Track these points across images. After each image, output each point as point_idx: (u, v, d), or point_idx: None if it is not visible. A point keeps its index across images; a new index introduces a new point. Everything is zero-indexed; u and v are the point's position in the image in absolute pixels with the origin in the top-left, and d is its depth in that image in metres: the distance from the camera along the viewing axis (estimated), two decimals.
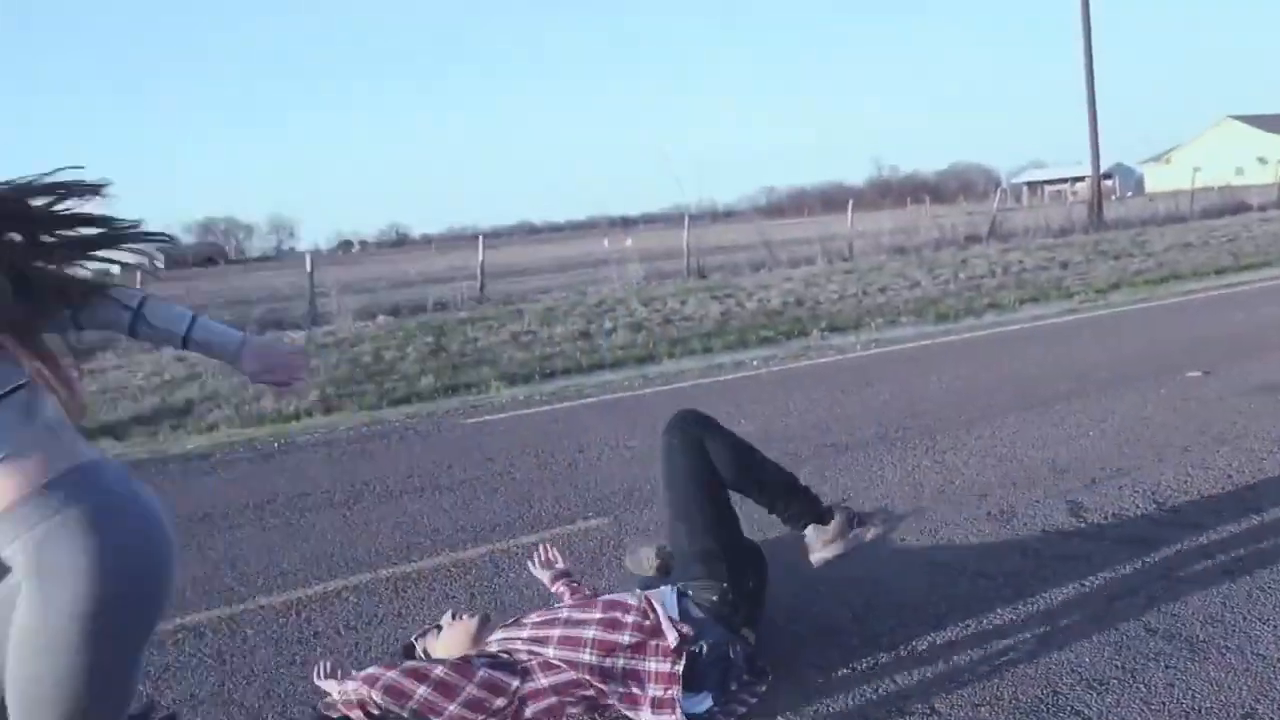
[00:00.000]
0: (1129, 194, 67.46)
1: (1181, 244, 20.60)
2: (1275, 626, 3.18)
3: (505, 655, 2.91)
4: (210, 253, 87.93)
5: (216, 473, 6.68)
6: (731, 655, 3.00)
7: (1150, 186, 74.19)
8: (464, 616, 3.10)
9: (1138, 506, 4.45)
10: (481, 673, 2.78)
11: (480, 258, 18.11)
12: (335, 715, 2.87)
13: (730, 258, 21.56)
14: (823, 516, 3.29)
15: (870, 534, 3.36)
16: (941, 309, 13.01)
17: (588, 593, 3.41)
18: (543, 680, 2.82)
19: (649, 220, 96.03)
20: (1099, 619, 3.34)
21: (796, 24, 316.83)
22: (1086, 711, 2.77)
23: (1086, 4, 28.44)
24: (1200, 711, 2.73)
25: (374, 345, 12.63)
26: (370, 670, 2.84)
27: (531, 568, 3.72)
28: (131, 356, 12.72)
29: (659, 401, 7.93)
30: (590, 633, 2.89)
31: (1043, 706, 2.81)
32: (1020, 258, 19.15)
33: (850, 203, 25.32)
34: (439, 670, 2.77)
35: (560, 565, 3.68)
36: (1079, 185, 57.11)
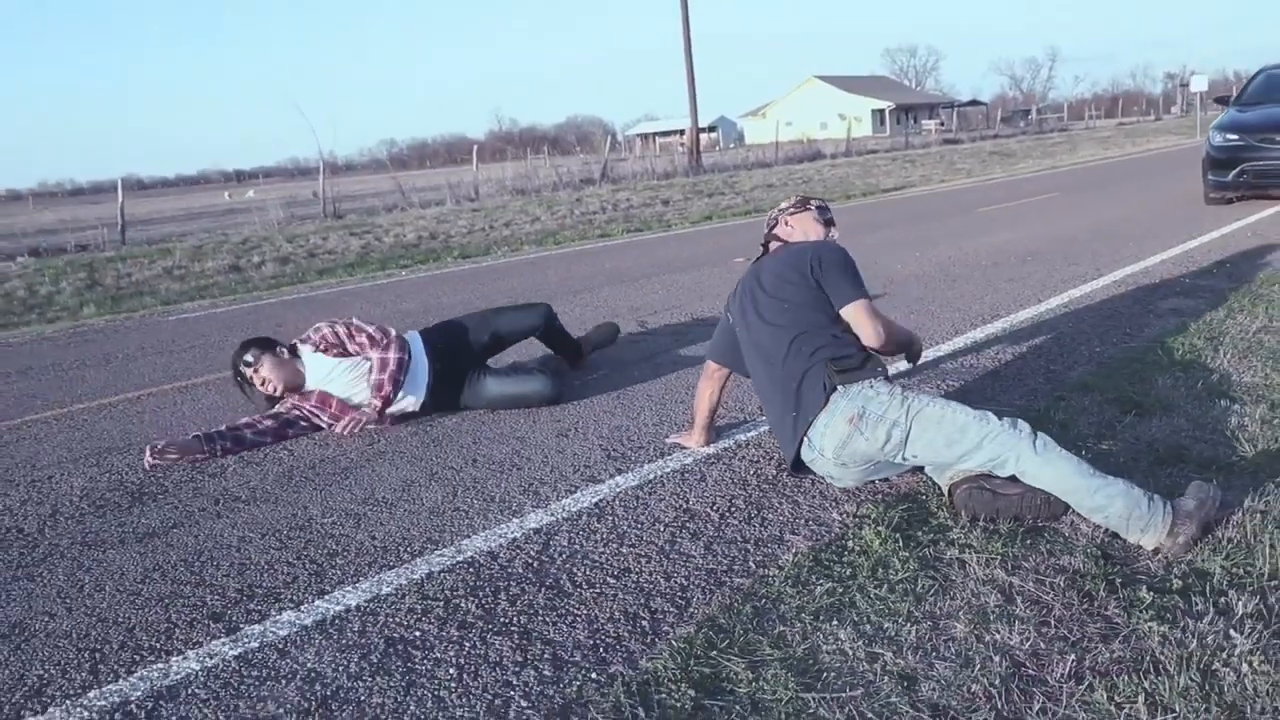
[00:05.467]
0: (731, 145, 74.50)
1: (766, 185, 24.48)
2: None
3: (298, 412, 4.91)
4: None
5: None
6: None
7: (749, 138, 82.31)
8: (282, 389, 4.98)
9: (682, 320, 7.09)
10: (296, 418, 4.85)
11: (120, 200, 18.87)
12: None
13: (362, 203, 23.25)
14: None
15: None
16: (559, 238, 15.52)
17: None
18: (315, 422, 4.90)
19: (266, 174, 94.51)
20: (649, 366, 5.83)
21: None
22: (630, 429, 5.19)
23: None
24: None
25: (25, 282, 13.45)
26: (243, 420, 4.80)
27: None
28: None
29: (332, 298, 9.89)
30: (345, 416, 4.90)
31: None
32: (629, 197, 22.17)
33: (475, 149, 27.60)
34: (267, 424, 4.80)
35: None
36: (685, 136, 62.34)
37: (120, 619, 2.99)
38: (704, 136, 45.89)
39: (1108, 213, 12.56)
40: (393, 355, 4.88)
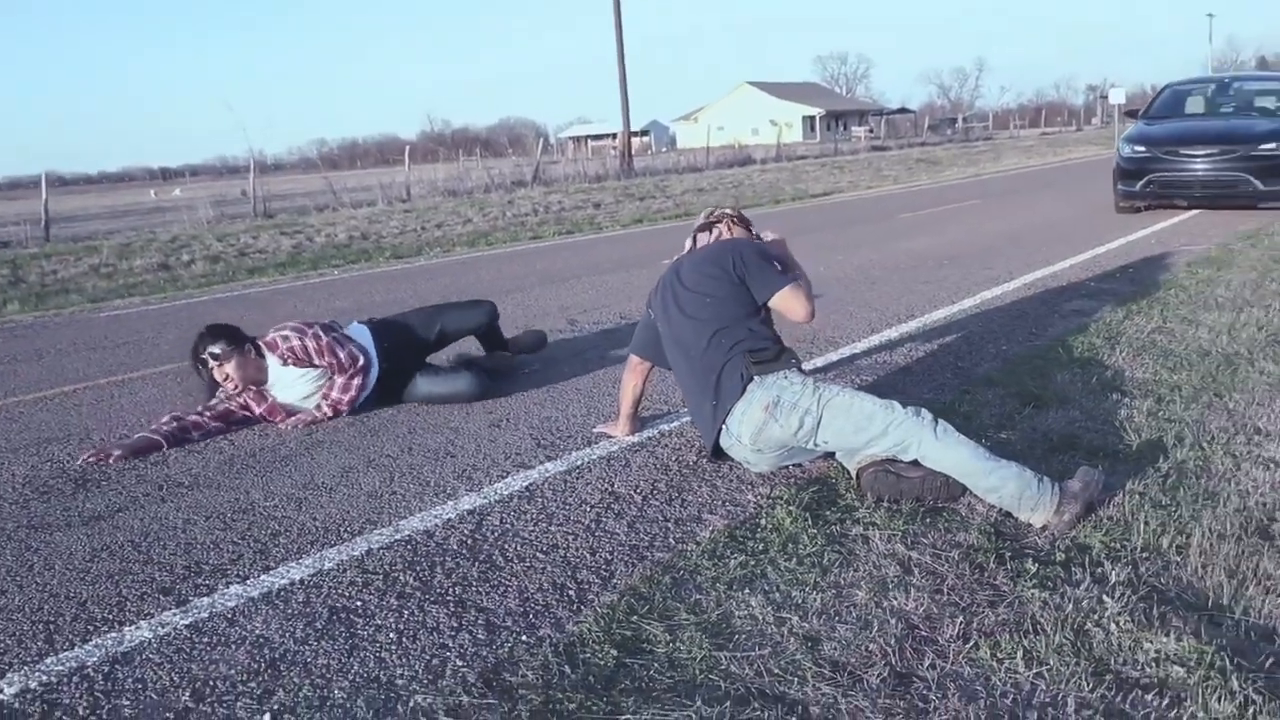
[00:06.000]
0: (663, 149, 74.95)
1: (697, 189, 24.82)
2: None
3: (246, 413, 5.00)
4: None
5: None
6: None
7: (681, 143, 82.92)
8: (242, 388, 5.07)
9: (611, 319, 7.31)
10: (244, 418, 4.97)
11: (44, 197, 18.65)
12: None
13: (293, 202, 23.17)
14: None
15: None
16: (491, 240, 15.65)
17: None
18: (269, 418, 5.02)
19: (193, 172, 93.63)
20: (578, 362, 6.04)
21: None
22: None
23: None
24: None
25: None
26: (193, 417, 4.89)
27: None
28: None
29: (265, 296, 9.99)
30: (297, 415, 5.04)
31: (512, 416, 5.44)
32: (560, 199, 22.35)
33: (407, 149, 27.61)
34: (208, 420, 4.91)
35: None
36: (618, 139, 62.56)
37: (71, 594, 3.14)
38: (636, 140, 46.25)
39: (1025, 219, 13.06)
40: (357, 382, 5.04)
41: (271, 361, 4.97)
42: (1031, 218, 13.25)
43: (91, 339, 8.07)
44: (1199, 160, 11.63)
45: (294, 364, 4.95)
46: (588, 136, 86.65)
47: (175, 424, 4.81)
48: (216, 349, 4.84)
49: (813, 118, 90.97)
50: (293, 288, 10.94)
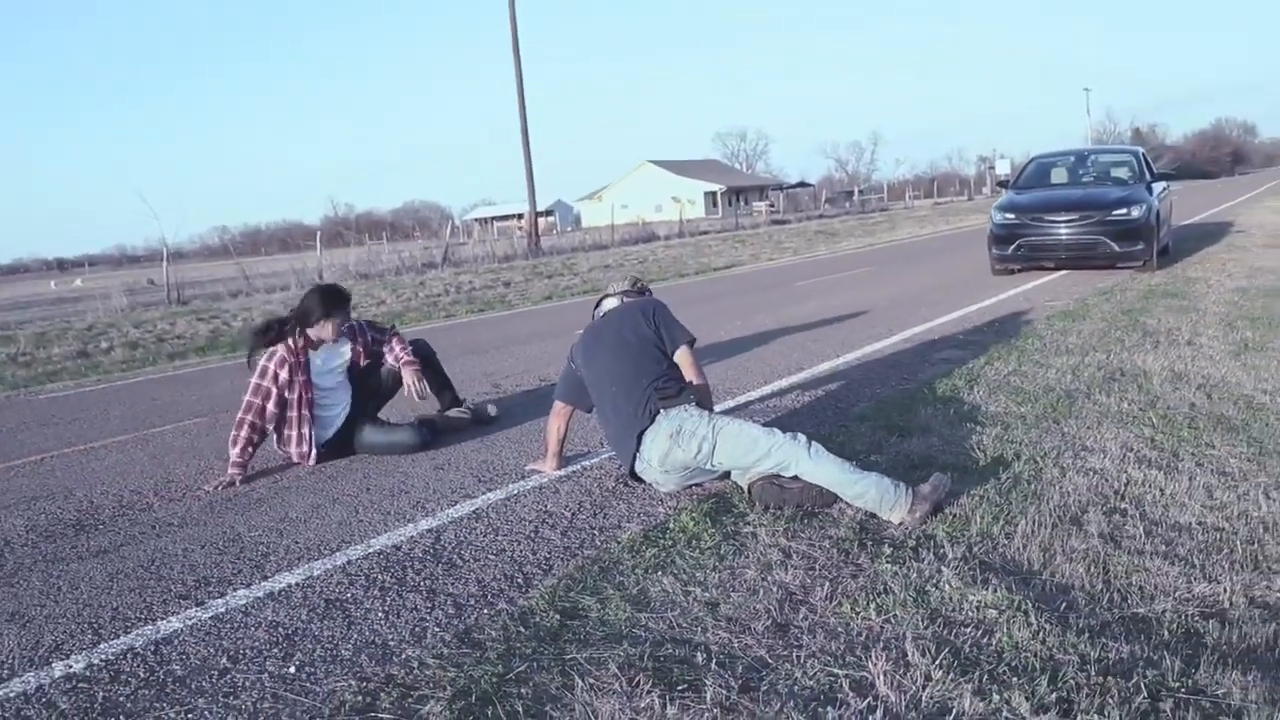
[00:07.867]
0: (569, 228, 76.39)
1: (603, 266, 25.79)
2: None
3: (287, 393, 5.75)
4: None
5: None
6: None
7: (586, 221, 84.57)
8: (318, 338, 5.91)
9: (531, 381, 8.11)
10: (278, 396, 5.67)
11: None
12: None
13: (204, 289, 23.61)
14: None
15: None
16: (405, 319, 16.29)
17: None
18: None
19: (91, 262, 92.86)
20: (506, 417, 6.81)
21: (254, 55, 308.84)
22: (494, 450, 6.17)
23: (519, 65, 33.66)
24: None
25: None
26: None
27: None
28: None
29: (195, 376, 10.59)
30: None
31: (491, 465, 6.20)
32: (470, 279, 23.13)
33: (319, 234, 28.23)
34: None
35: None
36: (524, 220, 63.55)
37: (104, 604, 3.83)
38: (542, 220, 47.39)
39: (911, 283, 14.21)
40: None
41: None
42: (917, 282, 14.42)
43: (40, 417, 8.62)
44: (1062, 225, 12.91)
45: (354, 341, 6.15)
46: (493, 218, 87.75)
47: (249, 445, 5.69)
48: (340, 317, 5.95)
49: (714, 193, 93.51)
50: (223, 367, 11.54)
